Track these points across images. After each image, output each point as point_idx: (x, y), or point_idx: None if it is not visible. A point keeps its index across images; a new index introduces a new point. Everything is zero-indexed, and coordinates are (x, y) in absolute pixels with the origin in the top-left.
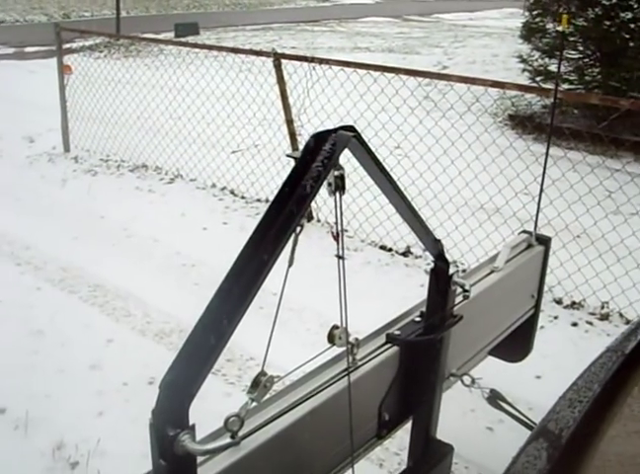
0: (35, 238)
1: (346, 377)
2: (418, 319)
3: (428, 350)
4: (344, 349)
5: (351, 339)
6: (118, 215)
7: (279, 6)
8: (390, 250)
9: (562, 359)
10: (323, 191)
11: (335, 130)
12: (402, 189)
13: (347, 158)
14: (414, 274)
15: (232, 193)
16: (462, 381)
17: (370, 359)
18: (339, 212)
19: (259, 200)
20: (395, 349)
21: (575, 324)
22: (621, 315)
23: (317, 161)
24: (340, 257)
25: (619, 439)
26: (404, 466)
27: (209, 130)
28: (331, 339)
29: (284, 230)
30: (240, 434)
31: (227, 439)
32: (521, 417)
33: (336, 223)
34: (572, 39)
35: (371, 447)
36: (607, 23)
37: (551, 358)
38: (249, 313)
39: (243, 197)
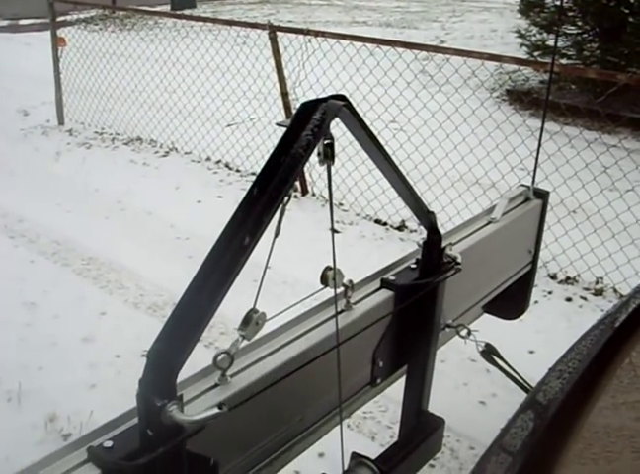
0: (28, 211)
1: (339, 320)
2: (413, 266)
3: (423, 295)
4: (338, 291)
5: (345, 281)
6: (112, 188)
7: None
8: (385, 224)
9: (556, 334)
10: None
11: (325, 99)
12: (397, 163)
13: (342, 131)
14: (408, 248)
15: (227, 166)
16: (458, 332)
17: (364, 303)
18: (330, 182)
19: (254, 174)
20: (390, 293)
21: (569, 299)
22: (615, 291)
23: (307, 130)
24: (334, 230)
25: (607, 411)
26: (396, 439)
27: (204, 103)
28: (324, 280)
29: (273, 200)
30: (229, 372)
31: (215, 410)
32: (514, 374)
33: (330, 196)
34: (570, 13)
35: (365, 395)
36: None
37: (545, 333)
38: (243, 287)
39: (238, 171)
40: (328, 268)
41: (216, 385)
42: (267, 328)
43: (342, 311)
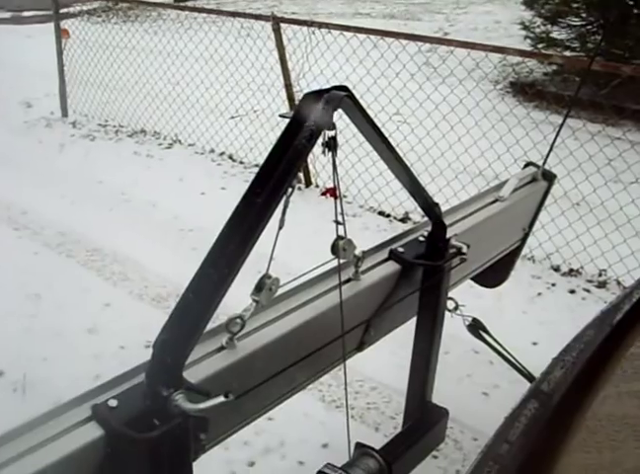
0: (32, 203)
1: (344, 287)
2: (422, 239)
3: (429, 274)
4: (349, 261)
5: (356, 252)
6: (116, 180)
7: None
8: (388, 216)
9: (559, 326)
10: (321, 156)
11: (328, 90)
12: (401, 155)
13: (346, 123)
14: None
15: (230, 158)
16: (445, 306)
17: (370, 275)
18: (335, 173)
19: (257, 166)
20: (397, 266)
21: (572, 291)
22: (619, 283)
23: (310, 121)
24: (337, 222)
25: (611, 400)
26: (400, 430)
27: (207, 95)
28: (334, 250)
29: (276, 192)
30: (238, 335)
31: (221, 398)
32: (501, 350)
33: (334, 185)
34: (574, 5)
35: (349, 358)
36: None
37: (548, 325)
38: (247, 278)
39: (241, 163)
40: (339, 237)
41: (223, 348)
42: None
43: (349, 280)
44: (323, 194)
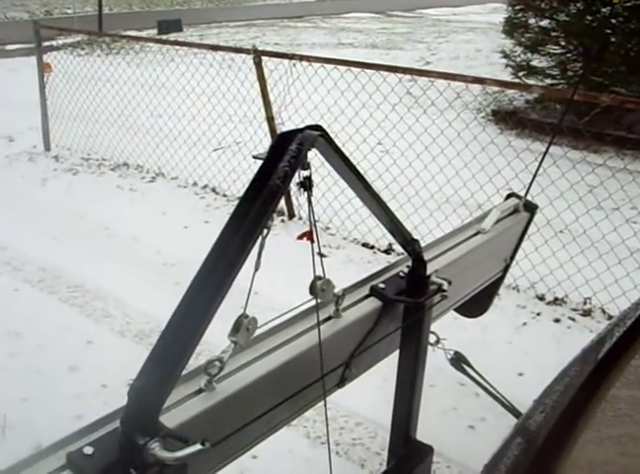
0: (13, 238)
1: (325, 326)
2: (402, 274)
3: (410, 311)
4: (330, 300)
5: (336, 291)
6: (98, 215)
7: (262, 2)
8: (372, 247)
9: (544, 356)
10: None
11: (302, 130)
12: (383, 186)
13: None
14: None
15: (214, 191)
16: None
17: (351, 312)
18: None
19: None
20: (378, 303)
21: (557, 320)
22: (603, 311)
23: (284, 161)
24: (320, 254)
25: (591, 446)
26: (385, 466)
27: (190, 128)
28: (312, 291)
29: (251, 233)
30: (217, 377)
31: (198, 446)
32: (485, 383)
33: (310, 223)
34: (554, 33)
35: (330, 394)
36: (589, 18)
37: (534, 355)
38: (228, 313)
39: (225, 196)
40: (317, 277)
41: (201, 390)
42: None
43: (330, 318)
44: (299, 237)
